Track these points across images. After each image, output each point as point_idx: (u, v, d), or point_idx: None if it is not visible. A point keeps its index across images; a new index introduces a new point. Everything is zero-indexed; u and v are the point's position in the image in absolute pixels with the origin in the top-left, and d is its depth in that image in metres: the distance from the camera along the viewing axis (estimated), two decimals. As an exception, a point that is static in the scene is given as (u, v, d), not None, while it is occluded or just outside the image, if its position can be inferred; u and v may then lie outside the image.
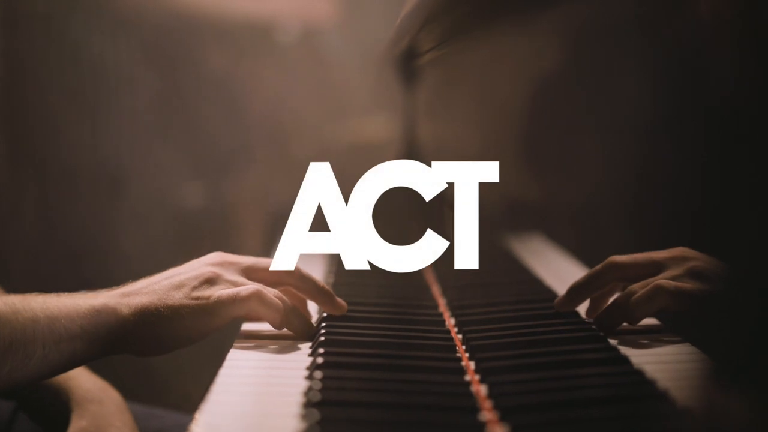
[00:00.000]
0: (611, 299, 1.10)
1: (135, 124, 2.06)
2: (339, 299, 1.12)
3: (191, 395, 1.07)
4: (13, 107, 2.05)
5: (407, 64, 1.67)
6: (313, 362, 0.95)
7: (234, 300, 1.03)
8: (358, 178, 1.96)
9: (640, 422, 0.83)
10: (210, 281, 1.05)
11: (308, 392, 0.87)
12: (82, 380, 1.21)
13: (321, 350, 0.98)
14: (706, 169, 1.13)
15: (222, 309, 1.03)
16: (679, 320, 1.06)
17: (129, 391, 1.25)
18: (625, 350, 0.99)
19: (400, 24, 1.35)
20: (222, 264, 1.08)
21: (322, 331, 1.05)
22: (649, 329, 1.07)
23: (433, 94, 1.70)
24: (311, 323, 1.09)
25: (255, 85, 2.08)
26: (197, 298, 1.03)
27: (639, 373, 0.91)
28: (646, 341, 1.03)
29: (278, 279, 1.09)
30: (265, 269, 1.09)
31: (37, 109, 2.05)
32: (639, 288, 1.05)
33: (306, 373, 0.94)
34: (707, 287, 1.03)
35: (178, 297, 1.03)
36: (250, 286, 1.04)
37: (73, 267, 2.04)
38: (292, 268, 1.10)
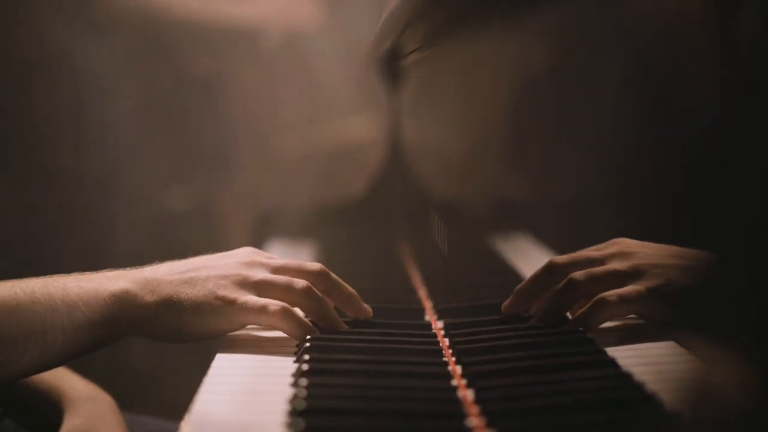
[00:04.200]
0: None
1: (119, 128, 2.05)
2: (365, 304, 1.11)
3: (177, 402, 1.06)
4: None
5: (391, 65, 1.66)
6: (299, 369, 0.95)
7: (260, 311, 1.03)
8: (343, 179, 1.96)
9: (629, 426, 0.82)
10: (237, 282, 1.04)
11: (293, 400, 0.86)
12: (74, 381, 1.21)
13: (306, 357, 0.97)
14: (690, 167, 1.13)
15: (245, 315, 1.03)
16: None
17: (114, 398, 1.24)
18: (612, 352, 0.98)
19: (383, 25, 1.35)
20: (251, 264, 1.07)
21: (307, 337, 1.04)
22: (638, 329, 1.07)
23: (418, 95, 1.69)
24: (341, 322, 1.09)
25: (240, 87, 2.07)
26: (221, 299, 1.02)
27: (627, 376, 0.90)
28: (633, 342, 1.02)
29: (305, 279, 1.08)
30: (295, 269, 1.08)
31: (20, 114, 2.04)
32: (580, 277, 1.06)
33: (291, 380, 0.93)
34: (655, 283, 1.04)
35: (202, 293, 1.02)
36: (278, 303, 1.03)
37: (59, 271, 2.03)
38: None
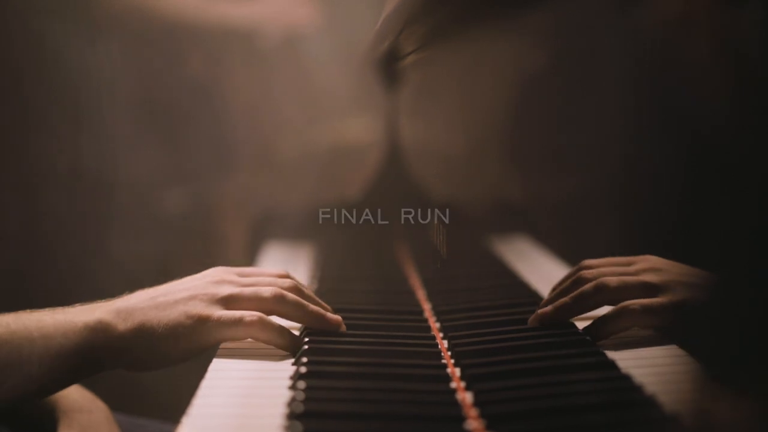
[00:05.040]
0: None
1: (117, 130, 2.04)
2: (334, 316, 1.08)
3: (175, 405, 1.06)
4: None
5: (389, 66, 1.66)
6: (296, 372, 0.94)
7: (236, 323, 1.02)
8: (341, 181, 1.96)
9: (628, 428, 0.82)
10: (206, 300, 1.03)
11: (291, 403, 0.86)
12: (68, 391, 1.20)
13: (304, 359, 0.96)
14: (690, 168, 1.13)
15: (220, 330, 1.02)
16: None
17: (112, 400, 1.24)
18: (612, 354, 0.98)
19: (381, 26, 1.34)
20: (220, 282, 1.06)
21: (306, 339, 1.03)
22: (636, 333, 1.07)
23: (416, 96, 1.69)
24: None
25: (237, 89, 2.07)
26: (193, 317, 1.01)
27: (626, 378, 0.90)
28: (633, 345, 1.02)
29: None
30: (263, 283, 1.07)
31: (17, 116, 2.04)
32: (612, 283, 1.05)
33: (289, 383, 0.93)
34: (678, 298, 1.03)
35: (174, 315, 1.01)
36: (254, 313, 1.02)
37: (56, 273, 2.03)
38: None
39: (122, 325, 1.01)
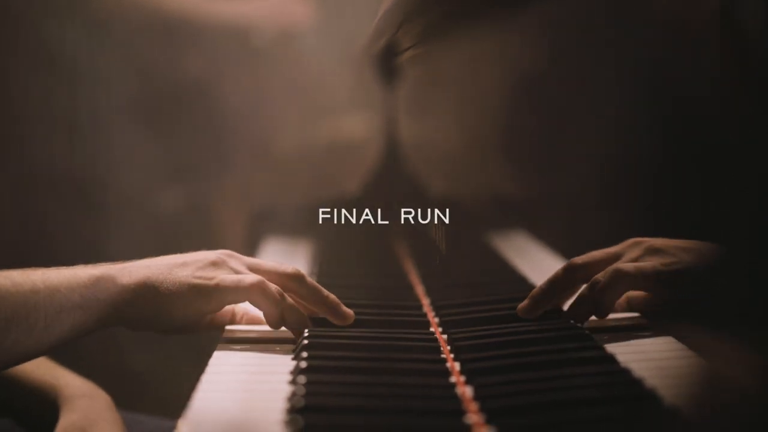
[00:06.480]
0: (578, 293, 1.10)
1: (112, 128, 2.04)
2: (345, 308, 1.09)
3: (174, 400, 1.06)
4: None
5: (386, 62, 1.66)
6: (297, 366, 0.94)
7: (237, 286, 1.04)
8: (339, 177, 1.96)
9: (628, 421, 0.82)
10: (214, 265, 1.06)
11: (292, 398, 0.86)
12: (70, 379, 1.21)
13: (304, 354, 0.97)
14: (688, 164, 1.13)
15: (222, 293, 1.04)
16: (662, 315, 1.06)
17: (112, 396, 1.24)
18: (611, 348, 0.98)
19: (378, 23, 1.34)
20: (229, 255, 1.09)
21: (306, 334, 1.03)
22: (635, 326, 1.07)
23: (413, 93, 1.69)
24: (307, 320, 1.08)
25: (233, 87, 2.07)
26: (199, 278, 1.04)
27: (626, 372, 0.90)
28: (632, 339, 1.02)
29: (282, 283, 1.08)
30: (270, 270, 1.09)
31: (10, 114, 2.03)
32: (601, 277, 1.06)
33: (290, 377, 0.93)
34: (668, 260, 1.04)
35: (180, 274, 1.04)
36: (253, 276, 1.05)
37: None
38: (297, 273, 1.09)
39: (126, 278, 1.03)
